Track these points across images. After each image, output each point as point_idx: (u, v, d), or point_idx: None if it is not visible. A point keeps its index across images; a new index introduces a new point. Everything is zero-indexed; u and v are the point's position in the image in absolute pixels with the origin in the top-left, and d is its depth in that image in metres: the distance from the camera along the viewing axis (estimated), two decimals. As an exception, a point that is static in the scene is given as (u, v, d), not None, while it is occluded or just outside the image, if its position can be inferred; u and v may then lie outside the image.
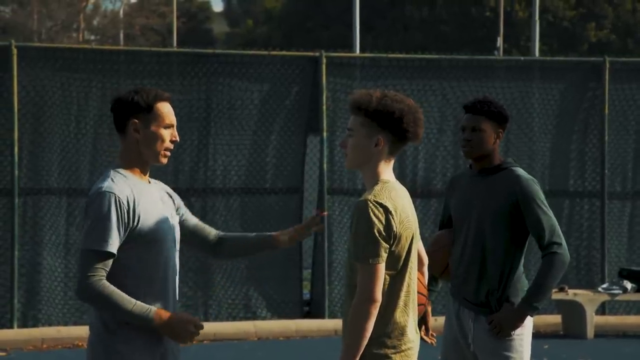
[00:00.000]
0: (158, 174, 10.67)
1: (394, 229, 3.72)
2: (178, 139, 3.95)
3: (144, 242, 3.83)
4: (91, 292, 3.74)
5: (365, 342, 3.70)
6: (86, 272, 3.74)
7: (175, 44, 31.57)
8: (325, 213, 4.21)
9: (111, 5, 60.10)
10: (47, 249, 10.43)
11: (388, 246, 3.71)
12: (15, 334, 10.22)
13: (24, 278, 10.38)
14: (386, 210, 3.71)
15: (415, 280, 3.85)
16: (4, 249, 10.37)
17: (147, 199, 3.88)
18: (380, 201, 3.72)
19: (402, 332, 3.78)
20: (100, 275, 3.75)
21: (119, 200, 3.78)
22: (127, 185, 3.84)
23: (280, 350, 10.13)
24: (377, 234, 3.68)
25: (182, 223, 4.10)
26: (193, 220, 4.15)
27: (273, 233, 4.15)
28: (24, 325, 10.38)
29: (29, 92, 10.52)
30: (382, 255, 3.70)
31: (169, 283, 3.90)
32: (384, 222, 3.70)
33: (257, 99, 11.13)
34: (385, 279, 3.73)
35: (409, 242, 3.78)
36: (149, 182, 3.97)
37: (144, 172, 3.94)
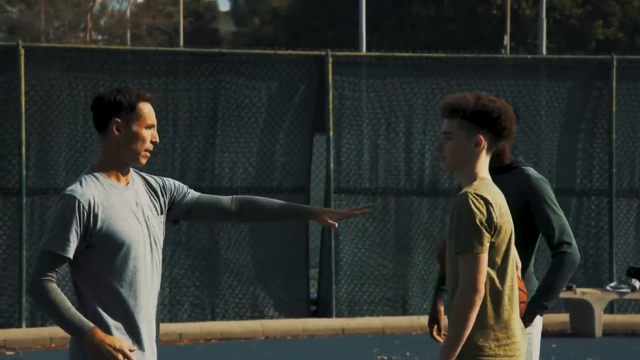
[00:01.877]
0: (165, 172, 10.68)
1: (495, 220, 3.79)
2: (158, 140, 3.94)
3: (108, 247, 3.83)
4: (38, 292, 3.79)
5: (467, 332, 3.74)
6: (38, 271, 3.80)
7: (181, 43, 31.59)
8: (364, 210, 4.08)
9: (118, 5, 60.18)
10: (54, 249, 10.43)
11: (490, 236, 3.78)
12: (23, 333, 10.24)
13: (32, 278, 10.38)
14: (486, 202, 3.79)
15: (516, 276, 3.91)
16: (12, 249, 10.39)
17: (116, 203, 3.86)
18: (480, 193, 3.81)
19: (506, 325, 3.83)
20: (51, 277, 3.79)
21: (80, 204, 3.79)
22: (95, 189, 3.84)
23: (288, 350, 10.13)
24: (479, 224, 3.76)
25: (184, 203, 4.07)
26: (194, 196, 4.11)
27: (309, 207, 4.12)
28: (32, 324, 10.39)
29: (37, 92, 10.53)
30: (485, 245, 3.77)
31: (138, 288, 3.88)
32: (485, 213, 3.78)
33: (264, 98, 11.13)
34: (488, 272, 3.79)
35: (508, 235, 3.85)
36: (127, 184, 3.95)
37: (121, 174, 3.92)
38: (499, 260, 3.82)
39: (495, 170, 5.00)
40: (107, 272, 3.83)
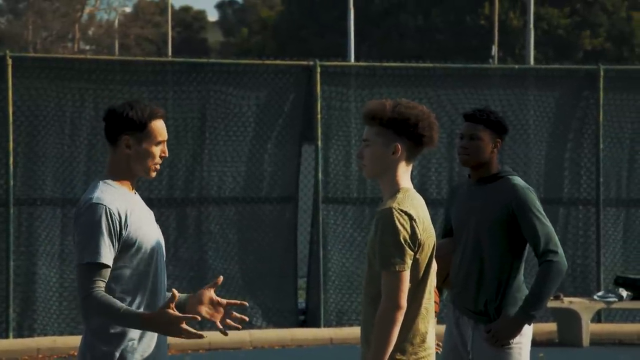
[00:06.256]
0: (154, 182, 10.67)
1: (419, 236, 3.77)
2: (167, 154, 3.97)
3: (135, 253, 3.85)
4: (91, 305, 3.75)
5: (391, 348, 3.75)
6: (85, 286, 3.75)
7: (170, 53, 31.60)
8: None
9: (106, 15, 60.17)
10: (42, 259, 10.41)
11: (413, 253, 3.76)
12: (10, 344, 10.20)
13: (20, 288, 10.36)
14: (410, 218, 3.76)
15: (433, 289, 3.90)
16: (-1, 259, 10.36)
17: (137, 210, 3.90)
18: (404, 209, 3.76)
19: (423, 338, 3.84)
20: (99, 287, 3.75)
21: (109, 212, 3.79)
22: (117, 196, 3.86)
23: (276, 360, 10.13)
24: (402, 242, 3.73)
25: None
26: None
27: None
28: (19, 335, 10.36)
29: (24, 102, 10.51)
30: (408, 263, 3.75)
31: (159, 293, 3.94)
32: (409, 229, 3.75)
33: (252, 108, 11.13)
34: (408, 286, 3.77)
35: (431, 250, 3.83)
36: (135, 194, 3.99)
37: (132, 185, 3.96)
38: (420, 275, 3.81)
39: (482, 180, 5.02)
40: (132, 277, 3.84)
